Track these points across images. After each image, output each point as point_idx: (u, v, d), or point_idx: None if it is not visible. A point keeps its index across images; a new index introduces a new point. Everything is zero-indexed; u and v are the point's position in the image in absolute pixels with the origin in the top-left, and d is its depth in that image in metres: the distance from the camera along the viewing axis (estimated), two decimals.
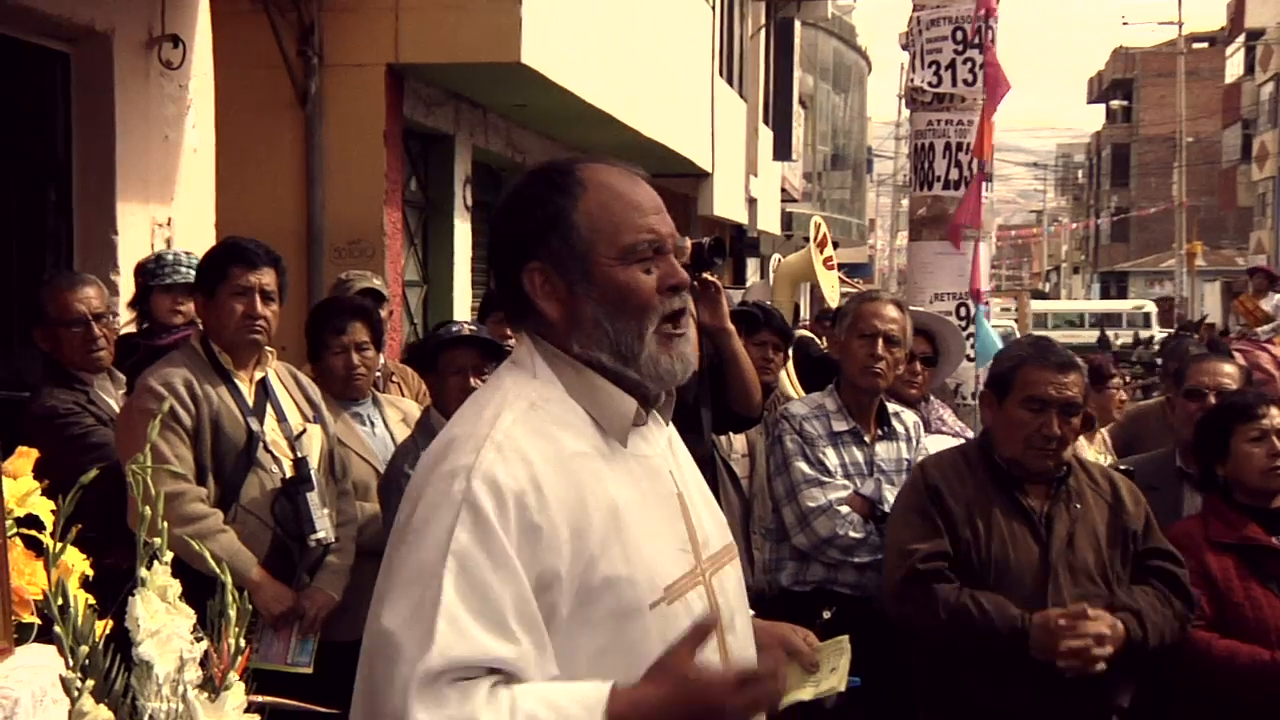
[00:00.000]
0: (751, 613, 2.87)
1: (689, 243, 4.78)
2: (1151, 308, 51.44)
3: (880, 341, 5.55)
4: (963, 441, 5.73)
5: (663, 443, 2.67)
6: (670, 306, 2.54)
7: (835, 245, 13.68)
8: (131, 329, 6.56)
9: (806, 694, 2.74)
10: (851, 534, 5.40)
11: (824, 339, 10.39)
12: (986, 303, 8.11)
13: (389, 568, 2.40)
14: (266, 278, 5.18)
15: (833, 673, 2.76)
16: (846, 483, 5.51)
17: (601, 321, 2.51)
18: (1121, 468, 5.77)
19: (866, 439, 5.62)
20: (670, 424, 2.73)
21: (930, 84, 8.10)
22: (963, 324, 7.89)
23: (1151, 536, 4.76)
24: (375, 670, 2.33)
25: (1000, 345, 7.14)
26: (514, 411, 2.48)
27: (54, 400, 5.51)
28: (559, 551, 2.36)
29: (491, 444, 2.40)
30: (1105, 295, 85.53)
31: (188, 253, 6.54)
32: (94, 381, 5.68)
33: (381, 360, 6.44)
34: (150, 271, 6.52)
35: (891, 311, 5.65)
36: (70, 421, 5.46)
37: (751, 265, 30.28)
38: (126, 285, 7.26)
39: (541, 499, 2.37)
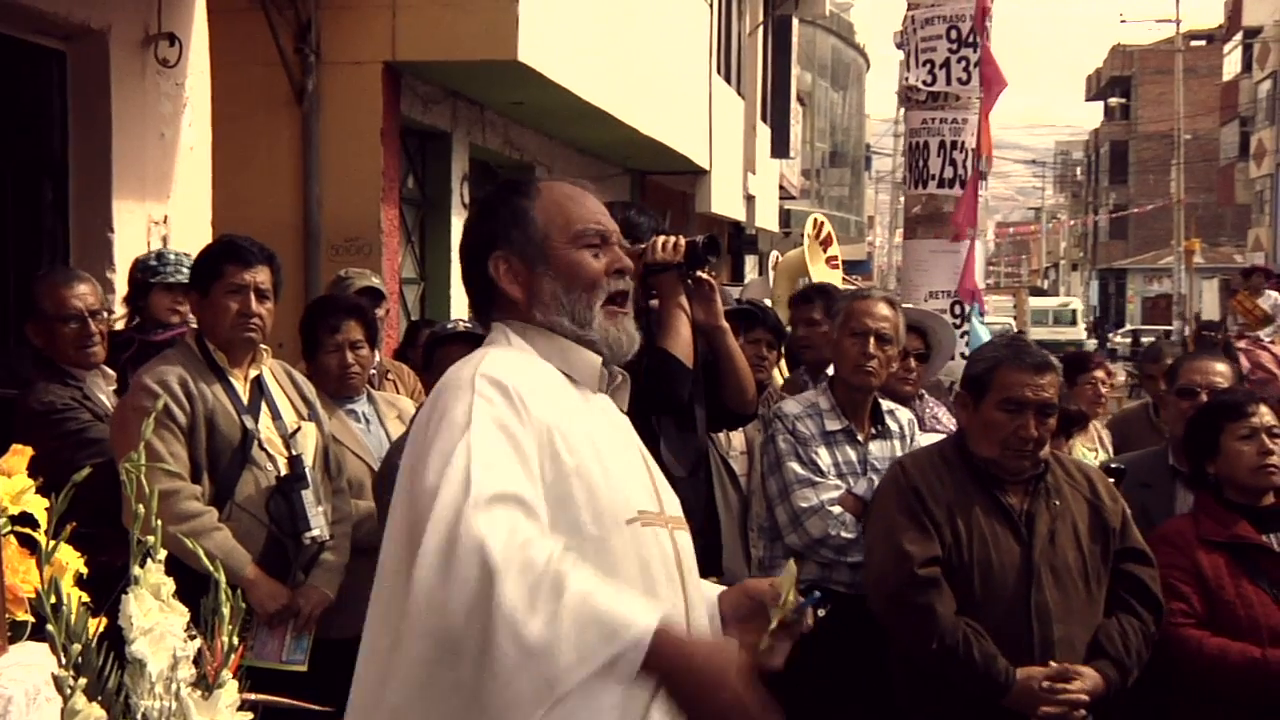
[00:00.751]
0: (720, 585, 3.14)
1: (683, 241, 4.78)
2: (1079, 305, 51.65)
3: (872, 340, 5.54)
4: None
5: (620, 414, 3.02)
6: (615, 287, 2.96)
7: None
8: (121, 325, 6.55)
9: (773, 622, 2.86)
10: (844, 534, 5.40)
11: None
12: (981, 302, 8.11)
13: (415, 462, 2.69)
14: (261, 276, 5.18)
15: (789, 597, 2.88)
16: (839, 483, 5.50)
17: (559, 294, 2.92)
18: (1114, 465, 5.79)
19: (860, 438, 5.61)
20: (625, 413, 3.05)
21: (925, 83, 8.10)
22: (957, 321, 7.90)
23: (1128, 535, 4.79)
24: (417, 523, 2.54)
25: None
26: (497, 353, 2.87)
27: (51, 395, 5.51)
28: (544, 445, 2.69)
29: (488, 361, 2.80)
30: (1104, 292, 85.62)
31: (188, 255, 6.55)
32: (86, 378, 5.69)
33: (377, 358, 6.45)
34: (151, 269, 6.53)
35: (883, 309, 5.65)
36: (68, 417, 5.47)
37: (750, 262, 30.25)
38: (122, 283, 7.26)
39: (533, 398, 2.72)
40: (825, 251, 12.65)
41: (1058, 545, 4.62)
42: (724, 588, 3.10)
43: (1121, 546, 4.74)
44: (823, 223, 12.94)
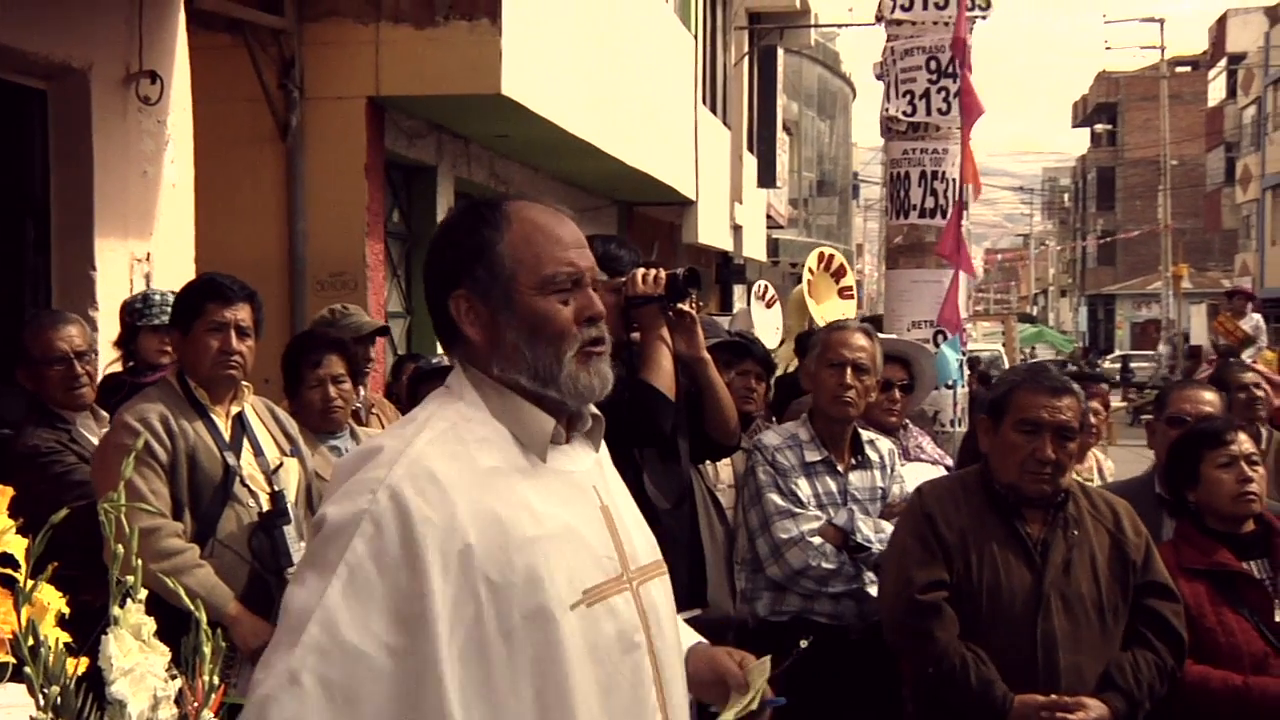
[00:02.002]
0: (704, 641, 3.02)
1: (664, 273, 4.80)
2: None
3: (849, 370, 5.57)
4: (942, 469, 5.75)
5: (589, 463, 2.79)
6: (588, 335, 2.69)
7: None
8: (117, 367, 6.58)
9: (728, 716, 2.81)
10: (824, 565, 5.41)
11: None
12: (962, 330, 8.13)
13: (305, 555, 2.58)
14: (242, 313, 5.19)
15: (756, 694, 2.84)
16: (819, 513, 5.51)
17: (520, 347, 2.65)
18: None
19: (840, 468, 5.63)
20: (602, 449, 2.86)
21: (905, 113, 8.15)
22: (938, 351, 7.92)
23: (1150, 568, 4.75)
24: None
25: (955, 374, 7.20)
26: (432, 432, 2.61)
27: (36, 439, 5.55)
28: (468, 566, 2.46)
29: (405, 459, 2.52)
30: (1093, 318, 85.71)
31: (173, 293, 6.57)
32: (76, 420, 5.71)
33: (361, 393, 6.46)
34: (138, 311, 6.55)
35: (860, 340, 5.67)
36: (52, 460, 5.49)
37: (738, 292, 30.30)
38: (105, 322, 7.27)
39: (448, 518, 2.47)
40: (839, 283, 12.56)
41: (1072, 575, 4.60)
42: (698, 639, 3.02)
43: (1143, 581, 4.71)
44: (832, 255, 12.85)
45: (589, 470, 2.77)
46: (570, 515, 2.64)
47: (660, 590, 2.78)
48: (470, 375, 2.71)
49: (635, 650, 2.64)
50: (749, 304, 17.89)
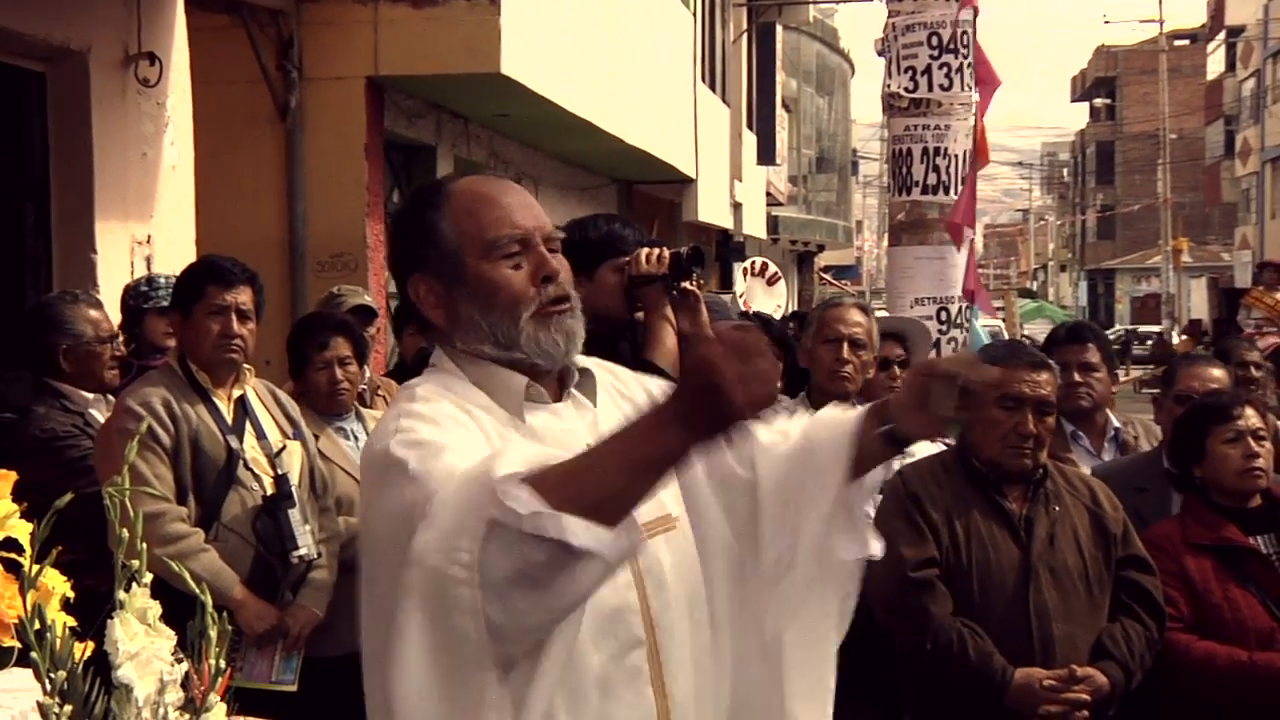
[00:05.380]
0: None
1: (667, 252, 4.78)
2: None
3: (846, 345, 5.56)
4: (941, 446, 5.73)
5: (582, 422, 2.73)
6: (547, 294, 2.66)
7: (821, 249, 13.65)
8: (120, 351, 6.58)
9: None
10: None
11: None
12: (985, 302, 8.12)
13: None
14: (243, 296, 5.19)
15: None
16: None
17: (477, 318, 2.66)
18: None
19: None
20: (608, 408, 2.79)
21: (907, 89, 8.11)
22: (943, 328, 7.91)
23: (1129, 542, 4.79)
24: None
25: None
26: (424, 391, 2.64)
27: (52, 422, 5.52)
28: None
29: (418, 399, 2.61)
30: (1093, 293, 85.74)
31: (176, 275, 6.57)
32: (87, 404, 5.69)
33: (366, 374, 6.45)
34: (143, 294, 6.57)
35: (856, 316, 5.67)
36: (69, 444, 5.47)
37: (738, 269, 30.29)
38: (107, 305, 7.24)
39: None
40: (765, 275, 12.54)
41: (1057, 548, 4.63)
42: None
43: (1123, 554, 4.74)
44: (764, 263, 12.79)
45: (577, 429, 2.69)
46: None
47: (666, 548, 2.70)
48: (447, 351, 2.72)
49: (607, 615, 2.56)
50: (745, 280, 17.88)
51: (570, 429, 2.69)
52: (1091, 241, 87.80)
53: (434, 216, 2.69)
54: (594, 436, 2.61)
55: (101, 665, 2.33)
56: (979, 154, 8.09)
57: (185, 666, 2.42)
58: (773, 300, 17.15)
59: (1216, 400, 5.29)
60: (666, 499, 2.69)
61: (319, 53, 11.60)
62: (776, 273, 17.53)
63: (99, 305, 5.96)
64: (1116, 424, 6.14)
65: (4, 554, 2.53)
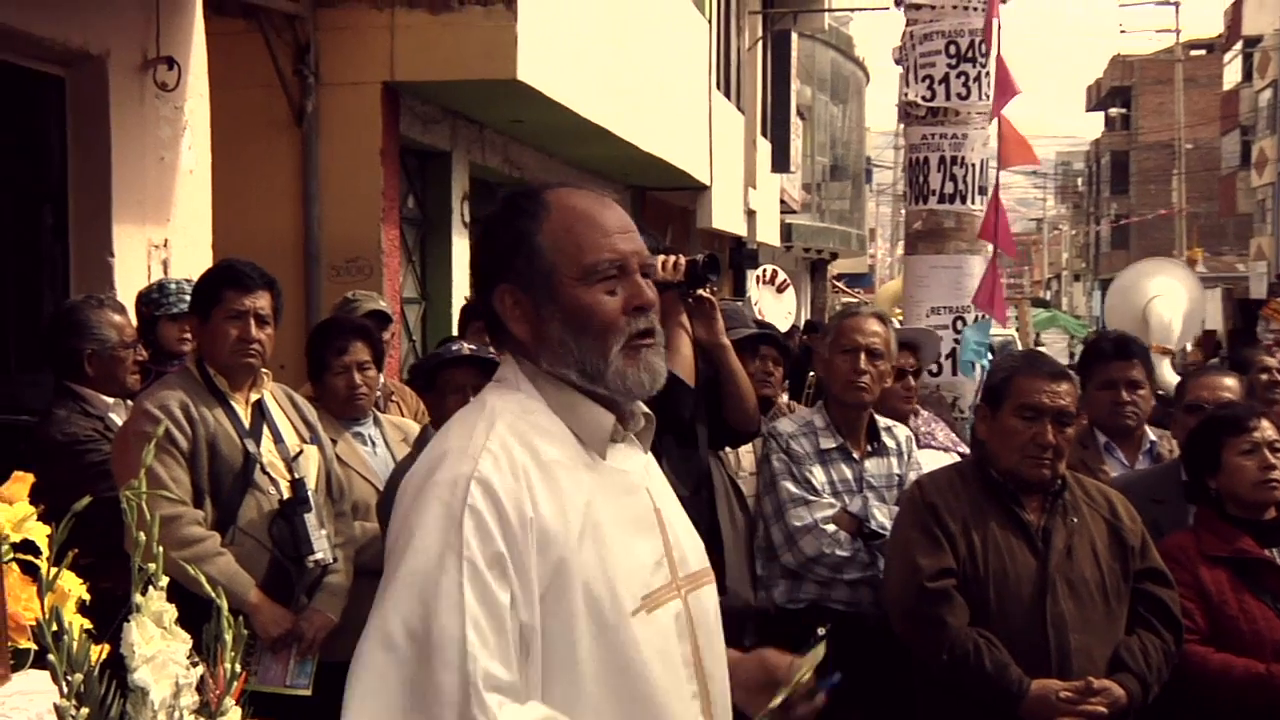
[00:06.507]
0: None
1: (683, 260, 4.79)
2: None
3: (863, 355, 5.56)
4: (955, 456, 5.74)
5: (640, 464, 2.70)
6: (636, 326, 2.57)
7: (834, 257, 13.67)
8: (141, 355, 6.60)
9: (777, 702, 2.75)
10: (838, 552, 5.40)
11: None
12: (1002, 313, 8.10)
13: (387, 576, 2.46)
14: (261, 301, 5.20)
15: (802, 678, 2.76)
16: (833, 501, 5.50)
17: (567, 341, 2.56)
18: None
19: (855, 455, 5.61)
20: (649, 451, 2.77)
21: (924, 98, 8.11)
22: (958, 337, 7.91)
23: (1147, 555, 4.78)
24: (392, 668, 2.43)
25: (974, 356, 7.17)
26: (504, 422, 2.53)
27: (74, 426, 5.54)
28: (547, 551, 2.41)
29: (488, 454, 2.45)
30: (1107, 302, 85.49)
31: (189, 280, 6.57)
32: (107, 408, 5.70)
33: (382, 379, 6.46)
34: (155, 301, 6.59)
35: (873, 325, 5.66)
36: (90, 448, 5.48)
37: (751, 277, 30.27)
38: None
39: (534, 501, 2.43)
40: (774, 283, 12.55)
41: (1075, 559, 4.62)
42: (738, 654, 2.88)
43: (1141, 567, 4.74)
44: (774, 271, 12.87)
45: (640, 472, 2.69)
46: (627, 518, 2.57)
47: (709, 599, 2.70)
48: (525, 368, 2.63)
49: (680, 664, 2.57)
50: (756, 288, 17.86)
51: (634, 471, 2.67)
52: (1106, 251, 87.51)
53: (529, 227, 2.58)
54: (650, 479, 2.69)
55: (118, 668, 2.34)
56: (1014, 159, 8.02)
57: (201, 670, 2.42)
58: (782, 308, 17.10)
59: (1232, 412, 5.28)
60: (695, 554, 2.71)
61: (335, 58, 11.62)
62: (786, 280, 17.47)
63: (122, 310, 5.98)
64: (1153, 437, 6.10)
65: (21, 556, 2.54)
